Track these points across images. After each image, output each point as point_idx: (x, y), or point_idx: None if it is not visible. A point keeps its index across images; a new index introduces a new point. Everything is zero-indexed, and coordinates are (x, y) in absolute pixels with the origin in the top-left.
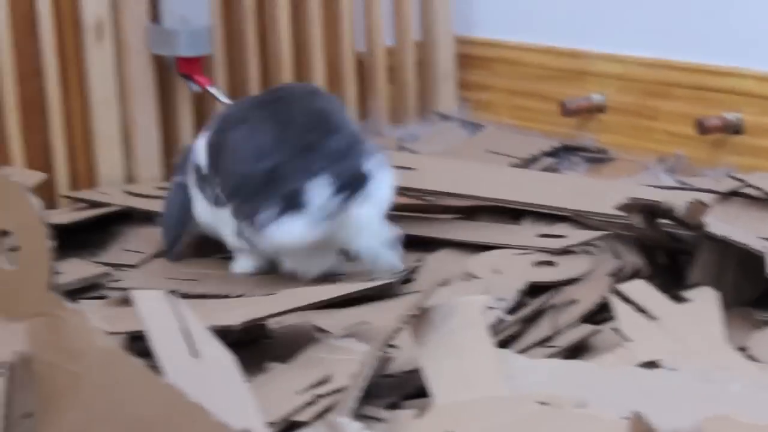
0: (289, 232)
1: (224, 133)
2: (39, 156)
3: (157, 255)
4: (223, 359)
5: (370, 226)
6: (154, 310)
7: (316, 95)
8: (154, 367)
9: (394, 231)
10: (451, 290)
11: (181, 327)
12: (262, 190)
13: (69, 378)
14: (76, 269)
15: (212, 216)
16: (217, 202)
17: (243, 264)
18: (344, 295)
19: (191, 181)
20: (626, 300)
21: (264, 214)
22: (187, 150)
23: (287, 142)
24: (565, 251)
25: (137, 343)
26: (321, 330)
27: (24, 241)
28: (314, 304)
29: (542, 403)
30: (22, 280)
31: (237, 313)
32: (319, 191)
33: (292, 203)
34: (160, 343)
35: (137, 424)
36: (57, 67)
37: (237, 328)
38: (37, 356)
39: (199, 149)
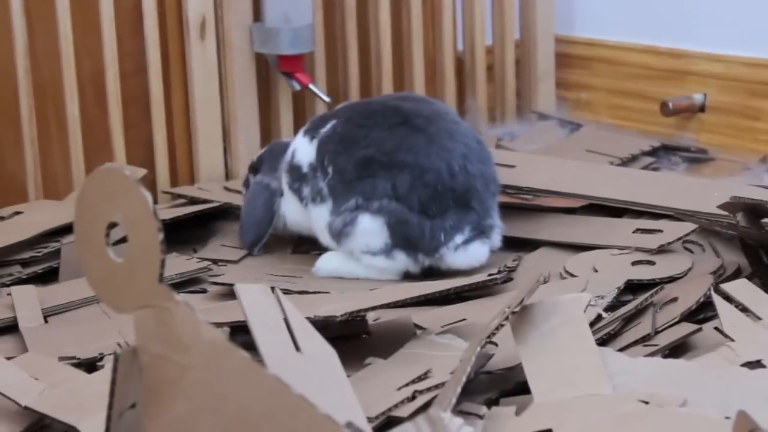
0: (476, 258)
1: (363, 136)
2: (140, 152)
3: (244, 256)
4: (325, 353)
5: None
6: (257, 303)
7: (452, 116)
8: (256, 361)
9: None
10: (550, 288)
11: (283, 320)
12: (455, 210)
13: (175, 369)
14: (176, 264)
15: (305, 214)
16: (320, 198)
17: (332, 261)
18: (445, 291)
19: (284, 180)
20: (728, 299)
21: (455, 236)
22: (271, 151)
23: (472, 165)
24: (665, 250)
25: (238, 337)
26: (420, 327)
27: (133, 233)
28: (415, 298)
29: (644, 402)
30: (130, 271)
31: (339, 306)
32: (497, 221)
33: (481, 230)
34: (263, 336)
35: (242, 417)
36: (160, 64)
37: (339, 320)
38: (143, 347)
39: (303, 150)
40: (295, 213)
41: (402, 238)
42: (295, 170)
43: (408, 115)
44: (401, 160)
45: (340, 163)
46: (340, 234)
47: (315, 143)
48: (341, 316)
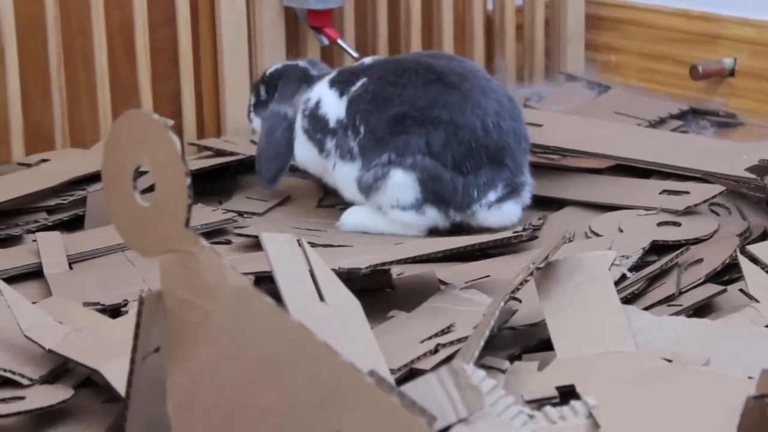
0: (509, 217)
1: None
2: (168, 103)
3: (279, 203)
4: (349, 304)
5: None
6: (282, 252)
7: (483, 73)
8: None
9: None
10: (575, 248)
11: (308, 270)
12: (489, 167)
13: (199, 315)
14: (202, 215)
15: (319, 163)
16: (349, 157)
17: (357, 215)
18: (470, 246)
19: (300, 123)
20: (755, 261)
21: (489, 193)
22: (286, 77)
23: (505, 122)
24: (691, 212)
25: (262, 286)
26: (444, 282)
27: (161, 178)
28: (440, 253)
29: (667, 360)
30: (157, 216)
31: (363, 258)
32: (529, 178)
33: (514, 188)
34: (287, 284)
35: (265, 363)
36: (189, 15)
37: (363, 272)
38: (168, 292)
39: (330, 103)
40: (309, 158)
41: (434, 194)
42: (319, 121)
43: (441, 72)
44: (435, 116)
45: (373, 122)
46: (370, 188)
47: (344, 100)
48: (366, 268)
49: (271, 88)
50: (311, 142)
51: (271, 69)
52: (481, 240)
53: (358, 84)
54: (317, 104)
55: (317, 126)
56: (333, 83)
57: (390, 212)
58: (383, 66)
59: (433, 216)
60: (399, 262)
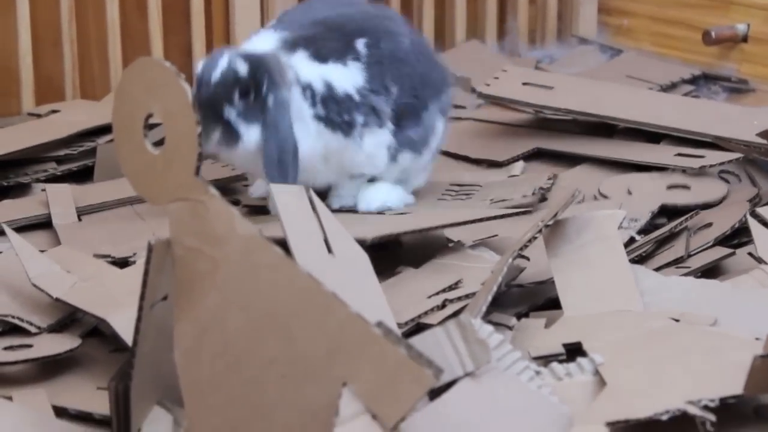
0: None
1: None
2: (179, 58)
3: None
4: (357, 257)
5: None
6: (291, 204)
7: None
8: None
9: None
10: (584, 209)
11: (317, 222)
12: None
13: (208, 263)
14: (210, 171)
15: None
16: (378, 124)
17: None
18: (478, 220)
19: (310, 113)
20: (764, 224)
21: None
22: (275, 62)
23: None
24: (701, 174)
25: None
26: (451, 240)
27: (171, 125)
28: (447, 225)
29: (674, 320)
30: (167, 164)
31: (371, 228)
32: None
33: None
34: (295, 236)
35: (272, 312)
36: None
37: (369, 243)
38: (177, 240)
39: (342, 76)
40: (320, 149)
41: None
42: (343, 101)
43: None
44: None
45: (405, 79)
46: (416, 145)
47: (357, 66)
48: (372, 239)
49: (261, 80)
50: (332, 128)
51: (240, 68)
52: (490, 214)
53: (360, 45)
54: (330, 86)
55: (344, 107)
56: (328, 58)
57: (423, 172)
58: (338, 20)
59: None
60: (405, 233)
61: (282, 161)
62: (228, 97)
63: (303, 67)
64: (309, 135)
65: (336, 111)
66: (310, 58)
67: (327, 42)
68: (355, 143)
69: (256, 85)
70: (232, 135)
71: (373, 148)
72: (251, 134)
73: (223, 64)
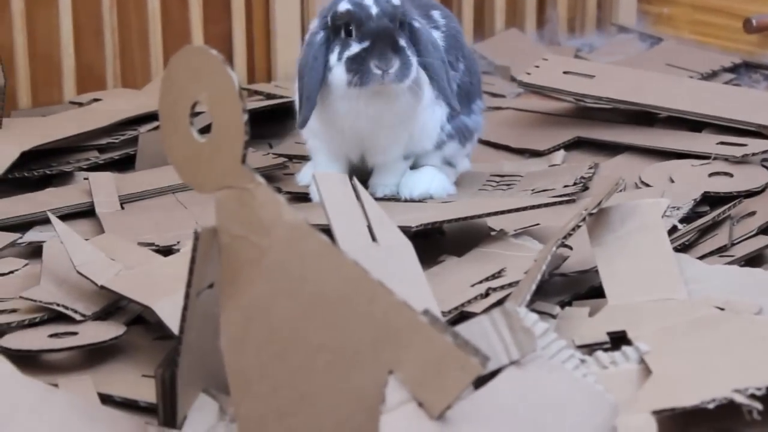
0: None
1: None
2: (219, 47)
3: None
4: (401, 245)
5: None
6: (336, 191)
7: None
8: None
9: None
10: (626, 197)
11: (361, 210)
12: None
13: (254, 251)
14: (253, 159)
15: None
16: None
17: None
18: (521, 208)
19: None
20: None
21: None
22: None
23: None
24: (744, 162)
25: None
26: (494, 229)
27: (218, 113)
28: (490, 214)
29: (719, 309)
30: (213, 152)
31: (415, 216)
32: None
33: None
34: (340, 224)
35: (319, 300)
36: None
37: (414, 230)
38: (224, 228)
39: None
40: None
41: None
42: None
43: None
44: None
45: (468, 61)
46: (464, 135)
47: (438, 35)
48: (416, 227)
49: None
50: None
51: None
52: (531, 203)
53: (438, 17)
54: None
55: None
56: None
57: (462, 162)
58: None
59: None
60: (449, 221)
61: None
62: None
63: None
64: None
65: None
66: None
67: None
68: (432, 106)
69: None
70: (406, 64)
71: (438, 120)
72: (340, 73)
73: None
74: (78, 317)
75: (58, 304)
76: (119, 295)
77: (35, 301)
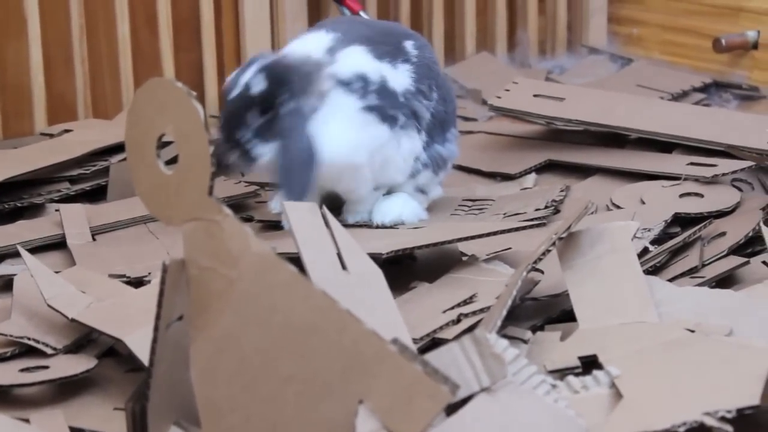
0: None
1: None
2: (190, 75)
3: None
4: (371, 273)
5: None
6: (305, 220)
7: None
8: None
9: None
10: (597, 220)
11: (330, 239)
12: None
13: (223, 282)
14: (224, 188)
15: (384, 150)
16: (416, 129)
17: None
18: (492, 233)
19: (360, 104)
20: None
21: None
22: (304, 70)
23: None
24: (714, 182)
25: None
26: (465, 254)
27: (184, 146)
28: (461, 239)
29: (690, 331)
30: (180, 184)
31: (385, 242)
32: None
33: None
34: (309, 253)
35: (288, 330)
36: None
37: (384, 257)
38: (192, 260)
39: (392, 76)
40: (368, 140)
41: None
42: (394, 96)
43: None
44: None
45: (443, 91)
46: (438, 164)
47: (405, 68)
48: (387, 253)
49: (280, 90)
50: (381, 119)
51: (256, 84)
52: (503, 227)
53: (409, 47)
54: (385, 80)
55: (392, 102)
56: (380, 57)
57: (435, 190)
58: (392, 28)
59: None
60: (420, 247)
61: (293, 171)
62: (243, 119)
63: (358, 59)
64: (353, 129)
65: (389, 104)
66: (366, 52)
67: (380, 40)
68: (396, 142)
69: (275, 101)
70: (247, 156)
71: (407, 153)
72: (267, 152)
73: (242, 82)
74: (49, 351)
75: (28, 338)
76: (90, 328)
77: (6, 335)
